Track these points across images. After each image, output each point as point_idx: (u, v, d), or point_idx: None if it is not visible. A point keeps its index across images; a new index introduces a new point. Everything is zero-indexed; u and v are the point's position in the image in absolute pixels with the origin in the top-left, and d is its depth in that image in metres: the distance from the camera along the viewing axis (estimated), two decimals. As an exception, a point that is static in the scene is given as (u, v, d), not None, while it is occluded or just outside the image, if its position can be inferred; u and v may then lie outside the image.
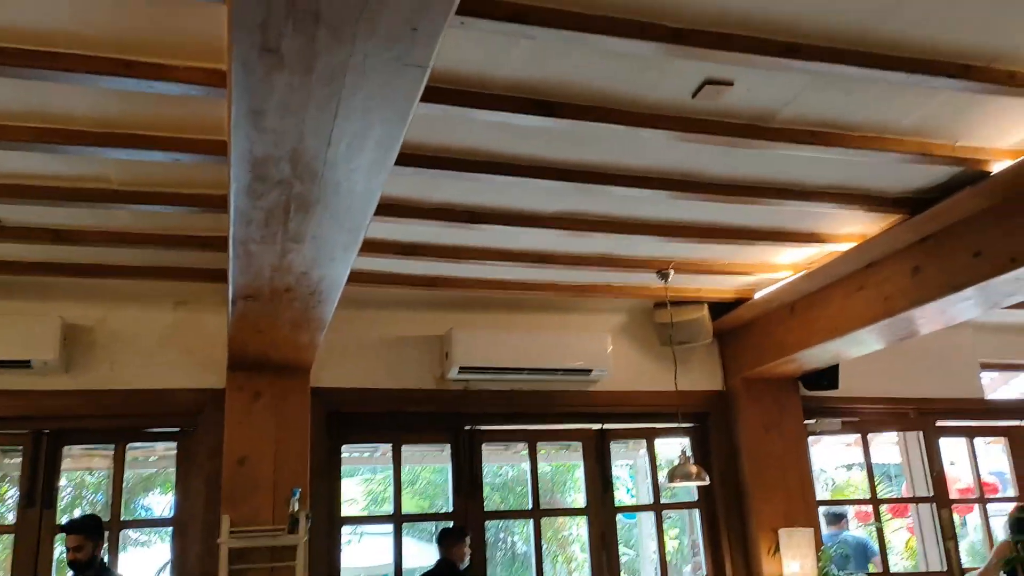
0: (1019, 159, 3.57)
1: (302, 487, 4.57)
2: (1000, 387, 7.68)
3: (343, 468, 5.44)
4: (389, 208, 3.93)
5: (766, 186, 3.94)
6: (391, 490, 5.46)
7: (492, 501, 8.22)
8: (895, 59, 2.86)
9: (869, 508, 6.42)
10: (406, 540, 8.29)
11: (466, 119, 3.19)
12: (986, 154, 3.60)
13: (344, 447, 5.47)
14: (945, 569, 5.92)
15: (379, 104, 2.12)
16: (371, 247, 4.35)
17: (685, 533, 7.48)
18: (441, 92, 2.99)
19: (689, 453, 5.42)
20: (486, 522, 5.70)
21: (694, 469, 4.85)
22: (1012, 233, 3.74)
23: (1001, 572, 4.83)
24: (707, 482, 5.02)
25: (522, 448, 5.85)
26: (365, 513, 9.84)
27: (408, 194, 3.89)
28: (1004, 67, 2.95)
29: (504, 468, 8.14)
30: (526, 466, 5.73)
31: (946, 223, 4.07)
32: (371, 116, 2.18)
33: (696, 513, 5.93)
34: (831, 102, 3.20)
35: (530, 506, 5.60)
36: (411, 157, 3.45)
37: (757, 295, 5.49)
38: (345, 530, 5.44)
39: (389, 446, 5.42)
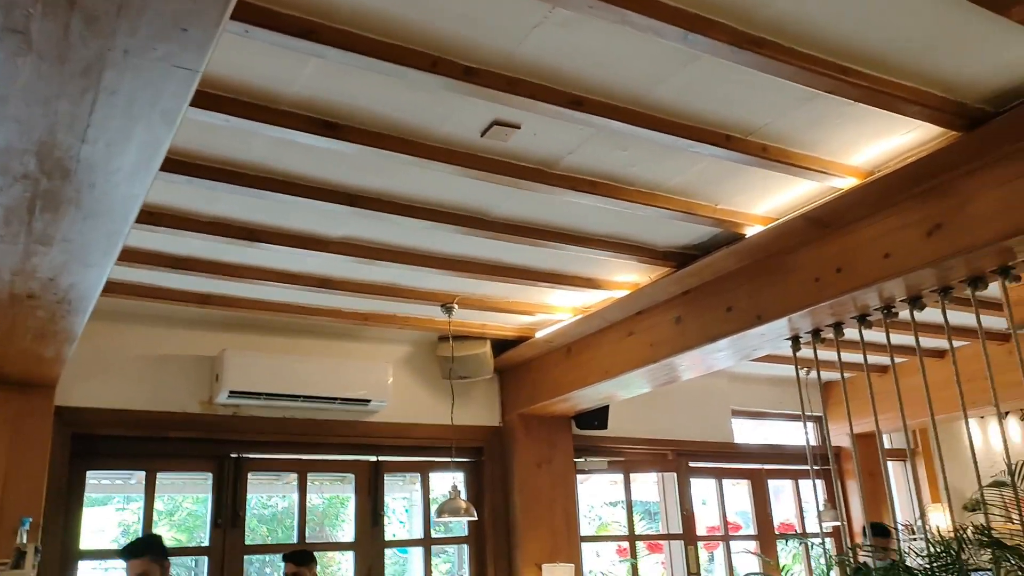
0: (768, 226, 3.94)
1: (34, 516, 4.11)
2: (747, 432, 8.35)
3: (94, 496, 4.98)
4: (160, 217, 3.68)
5: (549, 229, 4.08)
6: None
7: (259, 534, 7.81)
8: (666, 122, 3.07)
9: (624, 546, 6.75)
10: (160, 576, 7.69)
11: (251, 132, 3.06)
12: (742, 218, 3.94)
13: (97, 473, 5.02)
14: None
15: (143, 105, 1.98)
16: (137, 257, 4.06)
17: (456, 568, 7.49)
18: (225, 101, 2.86)
19: (461, 488, 5.45)
20: (250, 556, 5.41)
21: (463, 504, 4.87)
22: (758, 293, 4.11)
23: None
24: (475, 517, 5.06)
25: (294, 479, 5.61)
26: (114, 546, 8.99)
27: (182, 204, 3.66)
28: (758, 141, 3.26)
29: (274, 499, 7.77)
30: (297, 497, 5.50)
31: (705, 279, 4.41)
32: (134, 116, 2.03)
33: (466, 548, 5.96)
34: (609, 156, 3.38)
35: (295, 540, 5.37)
36: (187, 165, 3.26)
37: (537, 335, 5.66)
38: (86, 565, 4.95)
39: (143, 473, 5.01)
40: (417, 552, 6.15)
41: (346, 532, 6.49)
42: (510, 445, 5.96)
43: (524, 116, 3.04)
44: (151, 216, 3.63)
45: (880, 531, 4.96)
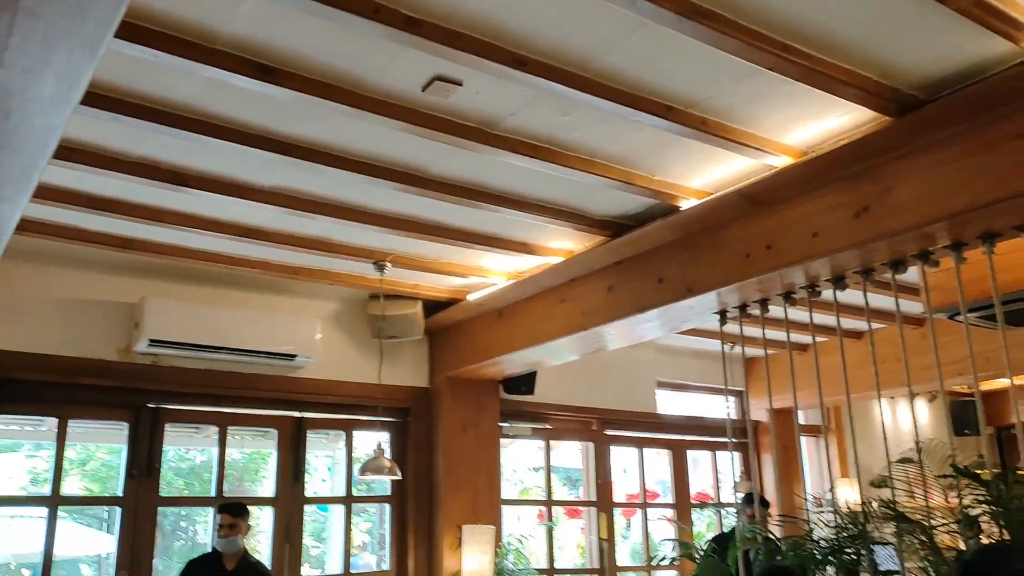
0: (703, 200, 3.98)
1: (-65, 460, 3.94)
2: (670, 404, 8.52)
3: (2, 442, 4.80)
4: (81, 154, 3.52)
5: (487, 191, 4.05)
6: (56, 469, 4.89)
7: (175, 487, 7.68)
8: (609, 89, 3.06)
9: (544, 510, 6.85)
10: (72, 526, 7.49)
11: (182, 71, 2.94)
12: (677, 191, 3.97)
13: (5, 417, 4.84)
14: (598, 567, 6.53)
15: (65, 30, 1.87)
16: (57, 195, 3.89)
17: (377, 527, 7.51)
18: (156, 35, 2.74)
19: (386, 447, 5.44)
20: (164, 508, 5.30)
21: (387, 463, 4.86)
22: (689, 266, 4.16)
23: None
24: (399, 476, 5.05)
25: (214, 432, 5.50)
26: (23, 493, 8.75)
27: (106, 142, 3.51)
28: (698, 114, 3.27)
29: (192, 452, 7.63)
30: (217, 451, 5.40)
31: (639, 249, 4.44)
32: (54, 42, 1.92)
33: (387, 507, 5.96)
34: (551, 120, 3.35)
35: (213, 493, 5.29)
36: (113, 101, 3.13)
37: (470, 297, 5.64)
38: (-11, 512, 4.80)
39: (55, 420, 4.85)
40: (338, 510, 6.13)
41: (266, 488, 6.41)
42: (437, 407, 5.96)
43: (467, 73, 2.99)
44: (72, 153, 3.47)
45: (755, 500, 4.97)
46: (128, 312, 4.93)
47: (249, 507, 4.68)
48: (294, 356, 5.26)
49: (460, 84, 3.06)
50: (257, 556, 4.81)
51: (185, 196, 3.96)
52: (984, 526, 3.24)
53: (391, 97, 3.16)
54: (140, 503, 4.92)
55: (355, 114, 3.18)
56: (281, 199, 4.04)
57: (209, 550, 4.67)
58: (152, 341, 4.75)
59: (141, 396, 5.00)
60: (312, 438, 5.83)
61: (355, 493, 5.89)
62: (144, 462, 4.98)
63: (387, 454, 5.32)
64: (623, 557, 8.39)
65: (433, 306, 5.80)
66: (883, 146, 3.29)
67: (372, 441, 5.18)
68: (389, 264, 4.96)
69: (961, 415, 7.81)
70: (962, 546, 3.44)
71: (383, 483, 5.88)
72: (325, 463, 8.29)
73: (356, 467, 5.34)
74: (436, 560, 5.67)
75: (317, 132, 3.45)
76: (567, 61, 2.92)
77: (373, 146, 3.59)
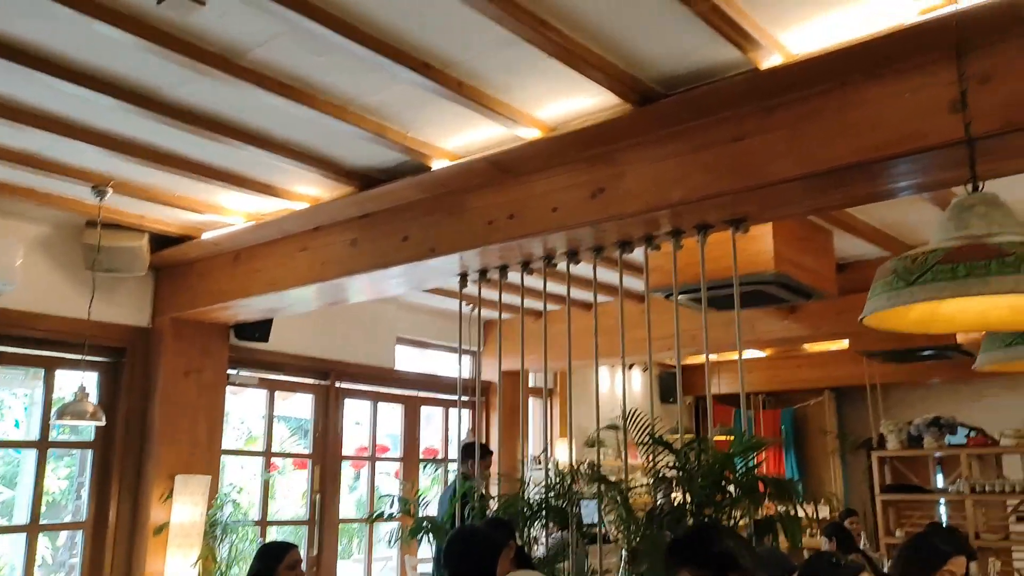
0: (454, 162, 3.99)
1: None
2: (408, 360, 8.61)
3: None
4: None
5: (228, 125, 3.77)
6: None
7: None
8: (366, 35, 2.95)
9: (273, 460, 6.67)
10: None
11: None
12: (430, 150, 3.95)
13: None
14: (308, 518, 6.53)
15: None
16: None
17: (77, 475, 6.91)
18: None
19: (93, 390, 4.97)
20: None
21: (90, 407, 4.44)
22: (435, 226, 4.17)
23: None
24: (102, 422, 4.63)
25: None
26: None
27: None
28: (455, 75, 3.26)
29: None
30: None
31: (386, 205, 4.37)
32: None
33: (90, 454, 5.47)
34: (304, 58, 3.17)
35: None
36: None
37: (204, 236, 5.28)
38: None
39: None
40: (31, 455, 5.53)
41: (-57, 428, 5.65)
42: (157, 349, 5.54)
43: (212, -7, 2.74)
44: None
45: (475, 455, 5.10)
46: None
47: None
48: (-13, 283, 4.63)
49: (202, 3, 2.79)
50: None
51: None
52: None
53: (124, 5, 2.82)
54: None
55: (82, 20, 2.81)
56: (-16, 103, 3.51)
57: None
58: None
59: None
60: (6, 375, 5.20)
61: (57, 438, 5.34)
62: None
63: (94, 397, 4.88)
64: (349, 509, 8.40)
65: (162, 241, 5.36)
66: (621, 132, 3.48)
67: (79, 382, 4.71)
68: (110, 190, 4.48)
69: (668, 385, 8.65)
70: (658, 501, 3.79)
71: (88, 428, 5.39)
72: (22, 403, 7.48)
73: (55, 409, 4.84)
74: (142, 512, 5.31)
75: (35, 32, 3.02)
76: (323, -1, 2.77)
77: (101, 58, 3.20)
